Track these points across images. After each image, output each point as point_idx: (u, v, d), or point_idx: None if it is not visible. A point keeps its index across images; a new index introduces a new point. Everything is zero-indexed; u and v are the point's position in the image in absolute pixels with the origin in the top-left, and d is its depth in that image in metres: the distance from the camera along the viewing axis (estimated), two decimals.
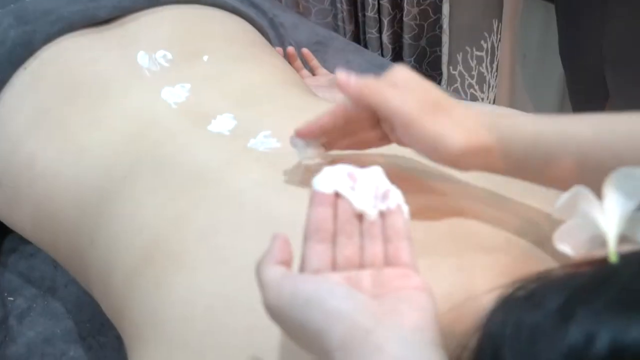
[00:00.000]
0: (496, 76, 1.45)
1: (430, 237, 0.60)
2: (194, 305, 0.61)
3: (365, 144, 0.66)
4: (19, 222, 0.87)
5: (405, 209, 0.52)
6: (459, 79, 1.42)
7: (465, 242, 0.60)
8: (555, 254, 0.54)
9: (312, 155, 0.67)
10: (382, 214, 0.52)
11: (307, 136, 0.65)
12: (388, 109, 0.58)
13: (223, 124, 0.79)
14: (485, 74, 1.43)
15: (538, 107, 1.73)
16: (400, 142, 0.62)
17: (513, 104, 1.61)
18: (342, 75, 0.60)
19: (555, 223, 0.50)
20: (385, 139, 0.64)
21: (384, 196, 0.52)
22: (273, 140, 0.74)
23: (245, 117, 0.79)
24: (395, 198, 0.52)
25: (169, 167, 0.74)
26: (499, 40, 1.45)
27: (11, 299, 0.92)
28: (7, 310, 0.90)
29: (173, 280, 0.64)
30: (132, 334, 0.67)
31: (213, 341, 0.59)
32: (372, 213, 0.51)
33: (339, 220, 0.51)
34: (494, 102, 1.52)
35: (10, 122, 0.86)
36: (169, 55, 0.88)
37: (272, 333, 0.57)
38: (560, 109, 1.71)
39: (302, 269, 0.49)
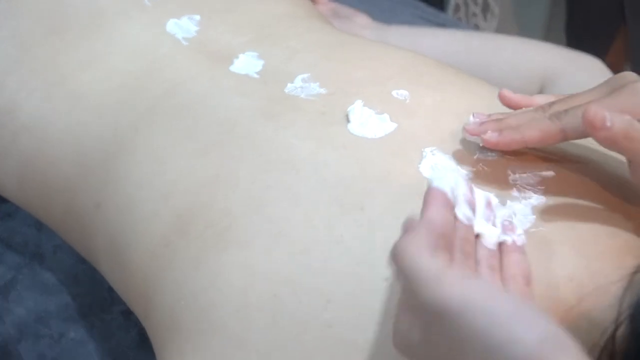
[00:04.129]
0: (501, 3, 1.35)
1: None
2: (251, 292, 0.50)
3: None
4: None
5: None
6: (462, 8, 1.32)
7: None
8: None
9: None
10: (500, 247, 0.45)
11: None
12: None
13: (248, 64, 0.66)
14: (490, 1, 1.33)
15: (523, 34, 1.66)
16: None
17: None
18: (597, 113, 0.45)
19: None
20: None
21: (508, 228, 0.46)
22: (315, 85, 0.62)
23: (273, 56, 0.66)
24: (522, 235, 0.46)
25: (191, 116, 0.62)
26: None
27: None
28: None
29: (219, 260, 0.53)
30: (165, 323, 0.55)
31: (280, 339, 0.49)
32: (492, 240, 0.45)
33: (458, 233, 0.44)
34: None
35: None
36: None
37: (358, 330, 0.47)
38: (546, 38, 1.64)
39: None
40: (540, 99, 0.54)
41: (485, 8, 1.35)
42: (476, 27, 1.36)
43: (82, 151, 0.65)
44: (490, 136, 0.52)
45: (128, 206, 0.60)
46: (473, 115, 0.55)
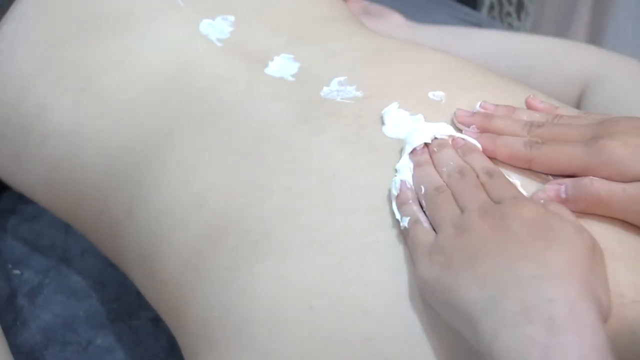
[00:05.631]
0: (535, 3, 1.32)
1: None
2: (285, 304, 0.48)
3: None
4: (27, 185, 0.72)
5: None
6: (497, 7, 1.29)
7: None
8: None
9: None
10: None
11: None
12: None
13: (283, 66, 0.64)
14: (524, 0, 1.29)
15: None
16: None
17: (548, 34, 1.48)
18: (549, 192, 0.49)
19: None
20: None
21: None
22: (352, 89, 0.60)
23: (309, 59, 0.64)
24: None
25: (224, 121, 0.60)
26: None
27: (17, 272, 0.77)
28: (14, 287, 0.76)
29: (252, 271, 0.51)
30: (197, 334, 0.54)
31: (316, 353, 0.46)
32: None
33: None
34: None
35: (12, 61, 0.69)
36: None
37: (399, 343, 0.45)
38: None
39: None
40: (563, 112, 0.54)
41: (520, 7, 1.32)
42: (510, 27, 1.33)
43: (113, 156, 0.63)
44: (470, 133, 0.53)
45: (159, 215, 0.58)
46: (480, 104, 0.56)
